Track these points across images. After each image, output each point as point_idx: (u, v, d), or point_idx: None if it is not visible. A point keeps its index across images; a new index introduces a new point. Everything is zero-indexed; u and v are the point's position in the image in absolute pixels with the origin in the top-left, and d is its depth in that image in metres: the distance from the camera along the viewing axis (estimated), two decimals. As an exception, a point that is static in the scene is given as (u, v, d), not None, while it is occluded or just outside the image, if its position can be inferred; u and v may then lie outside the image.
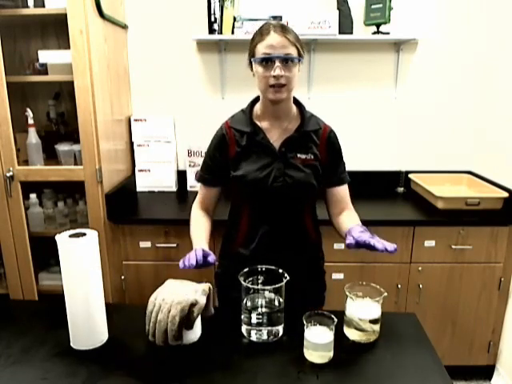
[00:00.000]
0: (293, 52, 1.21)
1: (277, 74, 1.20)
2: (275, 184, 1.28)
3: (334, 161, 1.36)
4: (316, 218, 1.43)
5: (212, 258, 1.15)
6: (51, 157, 2.08)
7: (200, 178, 1.42)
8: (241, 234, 1.38)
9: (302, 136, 1.31)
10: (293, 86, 1.25)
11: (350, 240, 1.16)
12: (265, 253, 1.32)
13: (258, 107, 1.36)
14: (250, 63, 1.28)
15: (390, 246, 1.10)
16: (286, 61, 1.20)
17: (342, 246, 2.03)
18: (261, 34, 1.23)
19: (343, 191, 1.38)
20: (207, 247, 1.23)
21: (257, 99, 1.37)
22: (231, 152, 1.33)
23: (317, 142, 1.33)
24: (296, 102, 1.37)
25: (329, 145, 1.34)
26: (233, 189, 1.37)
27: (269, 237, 1.34)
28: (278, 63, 1.20)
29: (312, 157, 1.31)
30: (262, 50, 1.21)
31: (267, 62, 1.21)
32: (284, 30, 1.22)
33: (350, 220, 1.31)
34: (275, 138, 1.32)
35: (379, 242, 1.11)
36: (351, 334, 1.11)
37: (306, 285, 1.38)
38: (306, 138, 1.32)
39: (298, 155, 1.31)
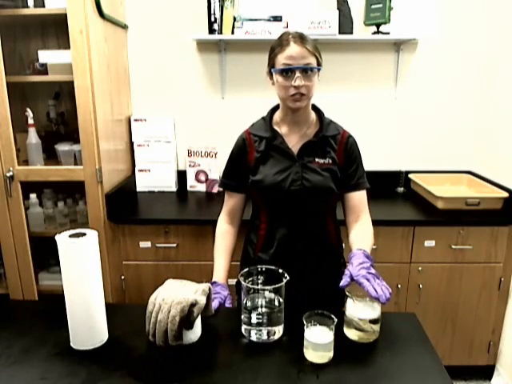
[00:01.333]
0: (312, 62, 1.24)
1: (297, 85, 1.22)
2: (293, 187, 1.30)
3: (351, 166, 1.36)
4: (337, 224, 1.44)
5: (228, 302, 1.25)
6: (51, 157, 2.08)
7: (222, 184, 1.44)
8: (260, 238, 1.39)
9: (320, 141, 1.33)
10: (312, 94, 1.28)
11: (344, 279, 1.12)
12: (284, 258, 1.33)
13: (277, 114, 1.38)
14: (270, 72, 1.30)
15: (382, 297, 1.03)
16: (306, 71, 1.23)
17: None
18: (281, 44, 1.25)
19: (358, 197, 1.38)
20: (224, 276, 1.33)
21: (277, 107, 1.40)
22: (250, 157, 1.36)
23: (335, 147, 1.34)
24: (315, 108, 1.40)
25: (346, 150, 1.35)
26: (252, 193, 1.39)
27: (287, 241, 1.35)
28: (298, 74, 1.22)
29: (330, 161, 1.33)
30: (282, 60, 1.24)
31: (287, 72, 1.23)
32: (303, 40, 1.24)
33: (358, 239, 1.30)
34: (294, 143, 1.34)
35: (373, 288, 1.05)
36: (351, 334, 1.11)
37: (327, 290, 1.34)
38: (325, 143, 1.34)
39: (316, 159, 1.32)
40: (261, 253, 1.39)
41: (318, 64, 1.26)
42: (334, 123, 1.40)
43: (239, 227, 1.46)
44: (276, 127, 1.36)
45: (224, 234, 1.43)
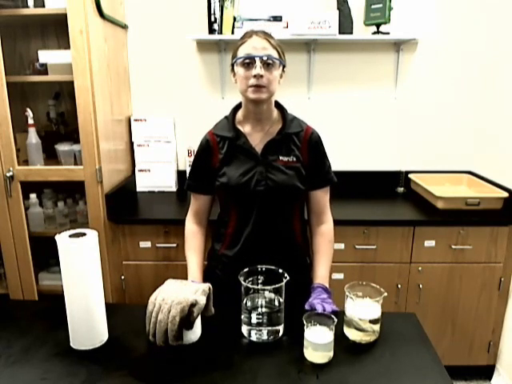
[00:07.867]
0: (274, 54, 1.23)
1: (257, 73, 1.20)
2: (258, 188, 1.28)
3: (316, 163, 1.35)
4: (304, 222, 1.43)
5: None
6: (51, 157, 2.08)
7: (188, 186, 1.43)
8: (227, 236, 1.38)
9: (283, 138, 1.32)
10: (273, 88, 1.26)
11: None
12: (248, 256, 1.31)
13: (240, 112, 1.37)
14: (233, 68, 1.29)
15: (325, 310, 1.15)
16: (268, 64, 1.22)
17: (342, 245, 2.04)
18: (243, 38, 1.26)
19: (321, 195, 1.38)
20: (200, 275, 1.33)
21: (239, 105, 1.38)
22: (215, 159, 1.35)
23: (298, 145, 1.33)
24: (278, 105, 1.38)
25: (310, 146, 1.34)
26: (220, 195, 1.38)
27: (252, 240, 1.34)
28: (258, 63, 1.21)
29: (294, 159, 1.31)
30: (243, 51, 1.23)
31: (248, 63, 1.22)
32: (266, 34, 1.25)
33: (319, 260, 1.36)
34: (257, 142, 1.32)
35: (322, 306, 1.18)
36: (351, 334, 1.11)
37: (291, 290, 1.27)
38: (288, 141, 1.32)
39: (281, 158, 1.31)
40: (226, 250, 1.38)
41: (280, 58, 1.26)
42: (298, 119, 1.38)
43: (207, 227, 1.45)
44: (239, 126, 1.34)
45: (194, 233, 1.42)
